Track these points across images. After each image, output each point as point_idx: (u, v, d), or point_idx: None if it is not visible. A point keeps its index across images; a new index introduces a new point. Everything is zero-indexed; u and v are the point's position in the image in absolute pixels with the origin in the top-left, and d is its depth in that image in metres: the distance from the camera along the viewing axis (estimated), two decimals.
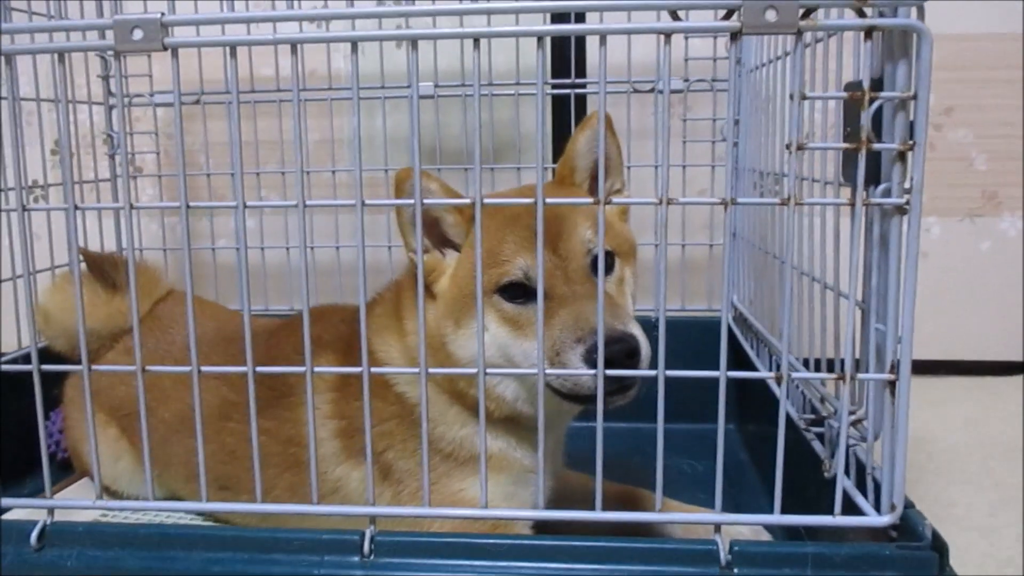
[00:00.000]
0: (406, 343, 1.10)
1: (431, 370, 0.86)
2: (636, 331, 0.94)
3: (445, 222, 1.06)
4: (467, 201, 0.85)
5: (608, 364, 0.84)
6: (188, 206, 0.84)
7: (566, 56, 1.80)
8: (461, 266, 1.05)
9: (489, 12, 0.84)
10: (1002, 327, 2.10)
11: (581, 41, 1.81)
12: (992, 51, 1.99)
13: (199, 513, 1.21)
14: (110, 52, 1.09)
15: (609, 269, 1.07)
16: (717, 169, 1.82)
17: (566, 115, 1.81)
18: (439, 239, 1.07)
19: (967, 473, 1.53)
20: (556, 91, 1.81)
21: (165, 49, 0.80)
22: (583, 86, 1.81)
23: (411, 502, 1.03)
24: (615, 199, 0.88)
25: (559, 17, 1.64)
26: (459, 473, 1.06)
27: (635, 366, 0.91)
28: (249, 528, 0.94)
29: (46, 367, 0.91)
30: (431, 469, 0.98)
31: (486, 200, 0.82)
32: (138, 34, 0.79)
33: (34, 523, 0.87)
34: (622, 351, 0.90)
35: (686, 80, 1.79)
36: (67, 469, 1.48)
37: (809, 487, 1.03)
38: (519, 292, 1.00)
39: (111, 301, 1.39)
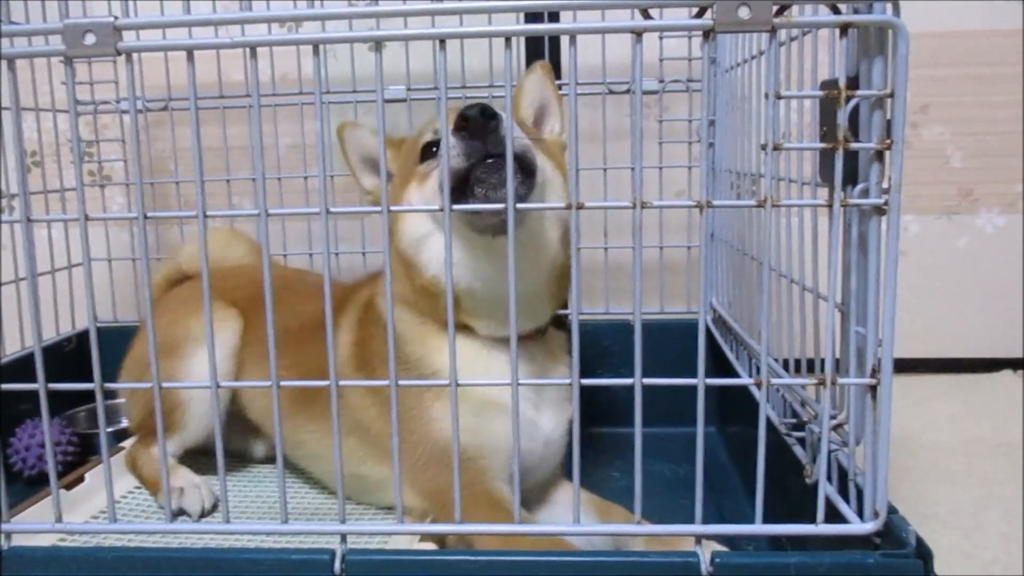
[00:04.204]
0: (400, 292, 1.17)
1: (401, 381, 0.84)
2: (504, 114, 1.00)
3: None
4: (436, 208, 0.85)
5: (463, 120, 0.95)
6: (146, 217, 0.81)
7: (540, 57, 1.77)
8: (397, 176, 1.20)
9: (460, 12, 0.82)
10: (981, 324, 2.10)
11: (555, 42, 1.79)
12: (968, 48, 1.99)
13: (166, 533, 1.17)
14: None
15: None
16: (694, 170, 1.80)
17: None
18: (377, 169, 1.23)
19: (950, 471, 1.52)
20: None
21: (119, 54, 0.77)
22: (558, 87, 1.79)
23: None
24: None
25: (532, 18, 1.62)
26: (428, 396, 1.12)
27: (493, 125, 0.96)
28: (217, 549, 0.91)
29: (7, 386, 0.88)
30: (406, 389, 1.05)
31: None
32: (90, 38, 0.76)
33: None
34: (476, 107, 0.96)
35: (661, 81, 1.77)
36: (35, 485, 1.45)
37: (791, 492, 1.01)
38: (434, 151, 1.11)
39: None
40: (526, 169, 1.03)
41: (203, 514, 1.27)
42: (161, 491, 1.22)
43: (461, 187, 0.97)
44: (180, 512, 1.27)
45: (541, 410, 1.17)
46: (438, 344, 1.14)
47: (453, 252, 0.82)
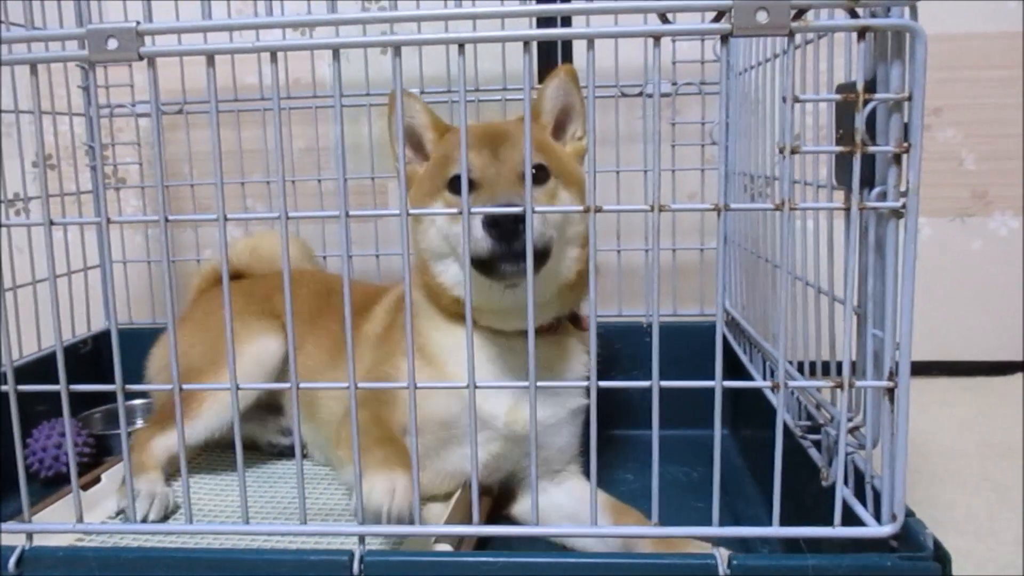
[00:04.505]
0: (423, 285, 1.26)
1: (419, 385, 0.84)
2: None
3: (425, 138, 1.25)
4: (456, 211, 0.86)
5: (493, 223, 1.00)
6: (167, 219, 0.81)
7: (552, 61, 1.78)
8: (426, 171, 1.23)
9: (475, 17, 0.82)
10: (995, 327, 2.09)
11: (568, 45, 1.79)
12: (980, 50, 1.99)
13: (184, 534, 1.18)
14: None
15: (542, 181, 1.15)
16: (707, 172, 1.80)
17: None
18: (418, 150, 1.25)
19: (964, 475, 1.51)
20: None
21: (141, 59, 0.78)
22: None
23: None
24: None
25: (545, 21, 1.62)
26: (400, 355, 1.18)
27: (521, 229, 0.96)
28: (236, 550, 0.91)
29: (26, 387, 0.89)
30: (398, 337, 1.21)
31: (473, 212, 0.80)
32: (112, 44, 0.77)
33: (12, 548, 0.84)
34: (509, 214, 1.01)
35: (674, 83, 1.77)
36: (51, 486, 1.46)
37: (806, 495, 1.01)
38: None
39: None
40: (542, 253, 1.09)
41: (145, 520, 1.21)
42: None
43: (484, 262, 1.05)
44: (122, 512, 1.27)
45: (520, 396, 1.20)
46: (437, 324, 1.23)
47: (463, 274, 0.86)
